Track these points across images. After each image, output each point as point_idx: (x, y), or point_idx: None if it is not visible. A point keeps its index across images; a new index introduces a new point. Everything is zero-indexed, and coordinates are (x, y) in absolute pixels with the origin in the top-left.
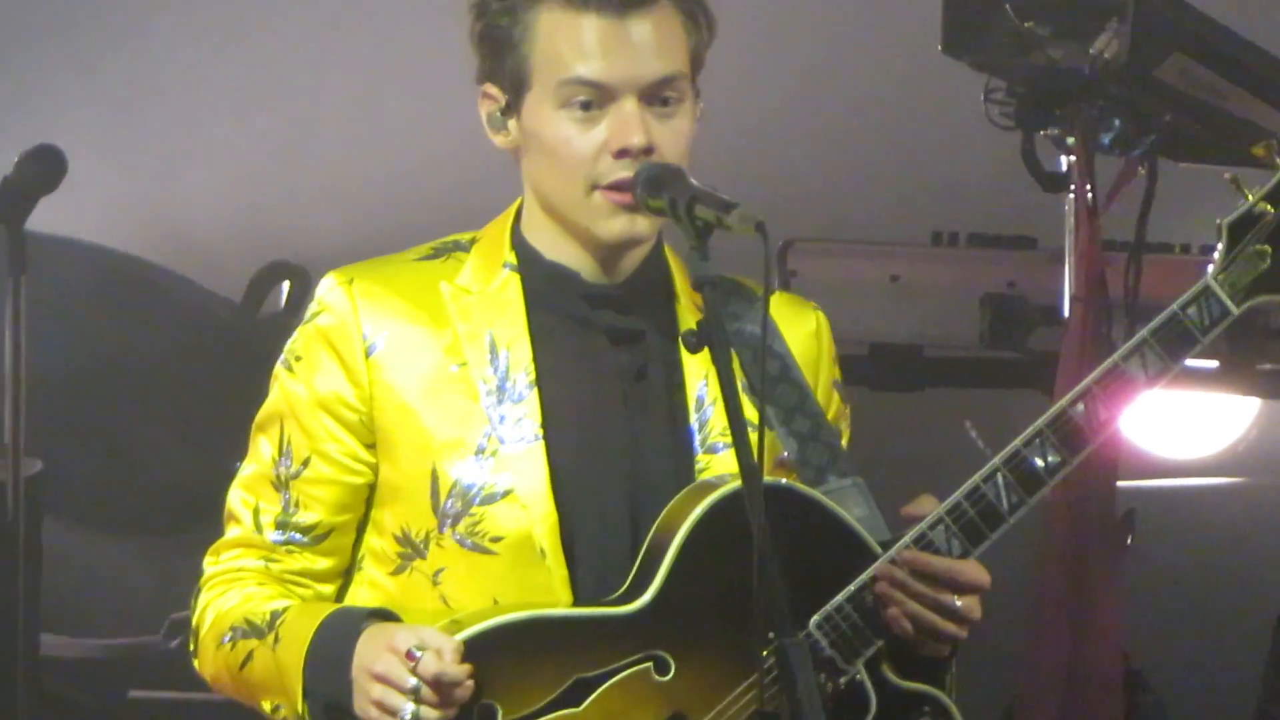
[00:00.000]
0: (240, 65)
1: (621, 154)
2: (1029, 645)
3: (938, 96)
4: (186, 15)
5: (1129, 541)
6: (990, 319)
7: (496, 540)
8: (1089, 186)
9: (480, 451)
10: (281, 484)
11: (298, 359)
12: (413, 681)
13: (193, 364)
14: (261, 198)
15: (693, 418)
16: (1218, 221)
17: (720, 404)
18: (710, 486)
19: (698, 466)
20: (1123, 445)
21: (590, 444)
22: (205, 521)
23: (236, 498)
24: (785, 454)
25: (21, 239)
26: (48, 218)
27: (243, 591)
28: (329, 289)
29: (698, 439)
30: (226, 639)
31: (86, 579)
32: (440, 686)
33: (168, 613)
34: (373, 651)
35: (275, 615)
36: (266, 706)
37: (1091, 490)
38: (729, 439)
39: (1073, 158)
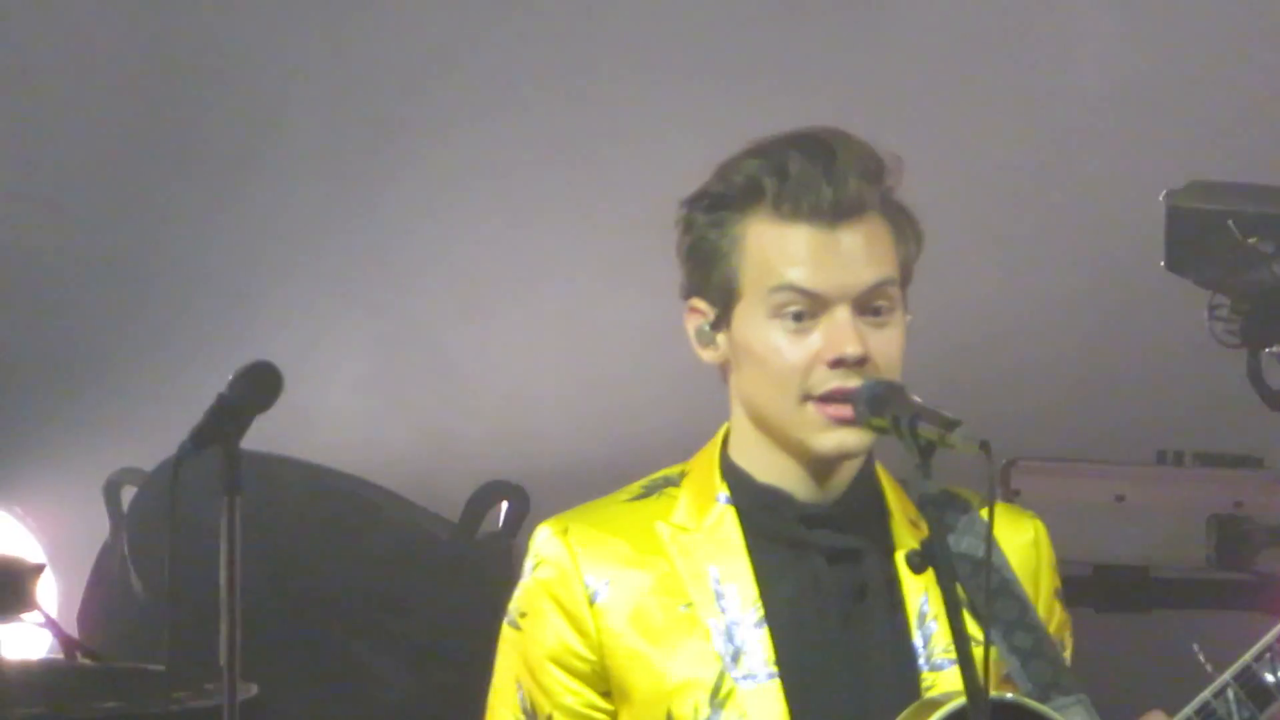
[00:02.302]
0: (455, 281)
1: (836, 363)
2: None
3: (1162, 313)
4: (389, 224)
5: None
6: (1217, 539)
7: None
8: None
9: (715, 692)
10: None
11: (523, 615)
12: None
13: (410, 584)
14: (479, 416)
15: (915, 634)
16: None
17: (943, 619)
18: (934, 704)
19: (923, 684)
20: None
21: (820, 673)
22: None
23: None
24: (1007, 671)
25: (237, 459)
26: (263, 435)
27: None
28: (545, 540)
29: (922, 656)
30: None
31: None
32: None
33: None
34: None
35: None
36: None
37: None
38: (953, 654)
39: None
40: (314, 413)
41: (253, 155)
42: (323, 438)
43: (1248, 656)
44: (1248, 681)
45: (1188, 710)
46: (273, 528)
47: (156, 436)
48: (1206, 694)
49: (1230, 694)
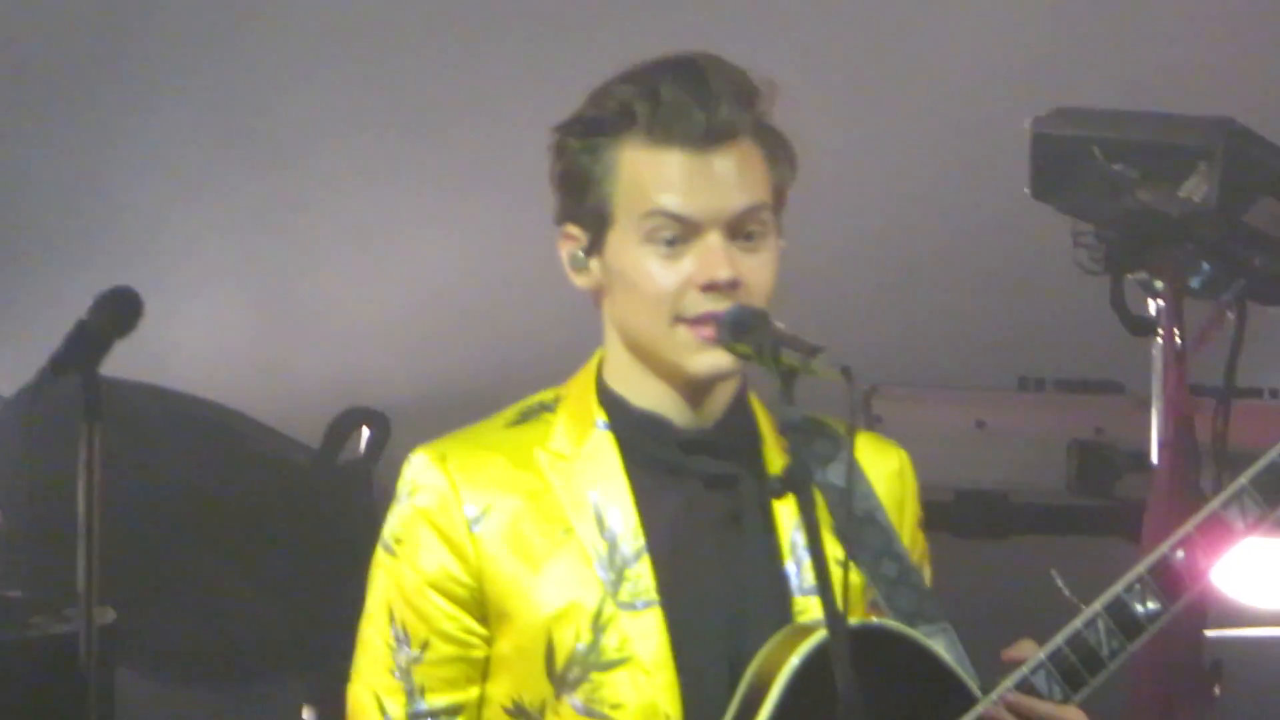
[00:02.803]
0: (316, 208)
1: (708, 287)
2: None
3: (1024, 240)
4: (267, 159)
5: (1216, 692)
6: (1077, 465)
7: (616, 707)
8: (1177, 331)
9: (596, 618)
10: (404, 673)
11: (399, 541)
12: None
13: (271, 510)
14: (339, 342)
15: (788, 560)
16: None
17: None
18: (805, 630)
19: (796, 609)
20: (1211, 594)
21: (698, 598)
22: (282, 670)
23: (358, 696)
24: (873, 599)
25: (96, 385)
26: (121, 361)
27: None
28: (423, 467)
29: (794, 582)
30: None
31: None
32: None
33: None
34: None
35: None
36: None
37: (1179, 639)
38: None
39: (1161, 302)
40: (175, 340)
41: (111, 71)
42: (183, 365)
43: (1118, 587)
44: (1118, 612)
45: (1059, 639)
46: (135, 455)
47: (15, 362)
48: (1078, 623)
49: (1100, 624)
